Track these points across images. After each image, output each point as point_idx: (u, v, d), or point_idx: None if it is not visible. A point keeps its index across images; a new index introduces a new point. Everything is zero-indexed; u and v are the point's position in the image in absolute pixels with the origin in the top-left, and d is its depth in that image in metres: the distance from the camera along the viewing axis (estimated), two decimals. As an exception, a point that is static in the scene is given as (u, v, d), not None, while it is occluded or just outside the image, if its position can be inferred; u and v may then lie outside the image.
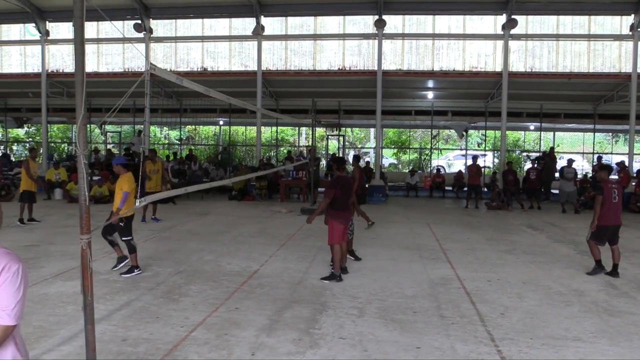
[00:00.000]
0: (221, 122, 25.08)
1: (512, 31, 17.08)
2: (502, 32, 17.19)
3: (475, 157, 16.68)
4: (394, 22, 17.69)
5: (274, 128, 25.14)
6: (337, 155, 20.31)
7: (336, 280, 6.85)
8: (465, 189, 16.94)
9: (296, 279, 6.98)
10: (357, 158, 13.21)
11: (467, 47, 17.87)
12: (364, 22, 17.98)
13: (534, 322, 5.35)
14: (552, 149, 18.52)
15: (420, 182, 19.73)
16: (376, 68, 17.38)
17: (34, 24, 19.21)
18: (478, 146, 29.81)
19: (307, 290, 6.45)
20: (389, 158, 28.90)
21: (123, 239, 7.24)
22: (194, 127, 28.69)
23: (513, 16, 16.72)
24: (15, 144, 29.84)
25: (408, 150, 28.37)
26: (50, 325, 5.05)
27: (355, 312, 5.60)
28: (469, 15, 17.61)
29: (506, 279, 7.11)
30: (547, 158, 17.27)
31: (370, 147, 28.61)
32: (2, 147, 27.16)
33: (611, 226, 7.56)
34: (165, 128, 29.25)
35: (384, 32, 17.35)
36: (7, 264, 2.08)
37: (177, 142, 28.13)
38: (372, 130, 27.10)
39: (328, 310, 5.66)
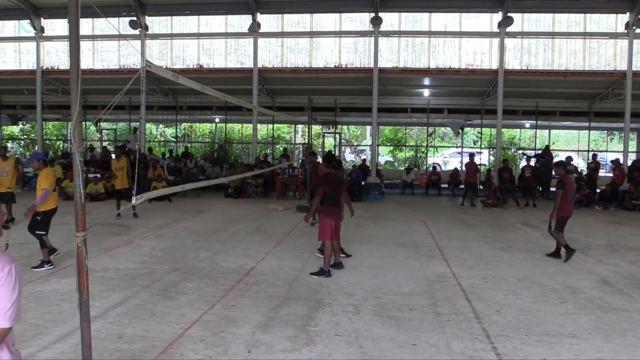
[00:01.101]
0: (217, 120, 25.03)
1: (508, 29, 17.11)
2: (498, 30, 17.20)
3: (472, 155, 16.70)
4: (390, 20, 17.69)
5: (270, 125, 25.12)
6: (321, 152, 20.29)
7: (325, 276, 6.91)
8: (462, 186, 16.95)
9: (292, 276, 6.98)
10: (314, 154, 13.02)
11: (463, 44, 17.87)
12: (360, 20, 17.95)
13: (529, 319, 5.37)
14: (547, 147, 18.57)
15: (416, 180, 19.76)
16: (372, 65, 17.39)
17: (28, 21, 19.11)
18: (474, 144, 29.87)
19: (303, 287, 6.45)
20: (385, 156, 28.92)
21: (37, 232, 7.22)
22: (189, 124, 28.63)
23: (509, 14, 16.74)
24: (10, 141, 29.69)
25: (404, 147, 28.38)
26: (46, 323, 5.04)
27: (351, 309, 5.61)
28: (465, 12, 17.62)
29: (501, 276, 7.13)
30: (547, 155, 17.31)
31: (367, 145, 28.60)
32: (-4, 145, 27.03)
33: (568, 217, 8.39)
34: (161, 125, 29.19)
35: (380, 29, 17.35)
36: (1, 264, 2.04)
37: (173, 139, 28.04)
38: (368, 127, 27.07)
39: (324, 307, 5.66)
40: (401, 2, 17.56)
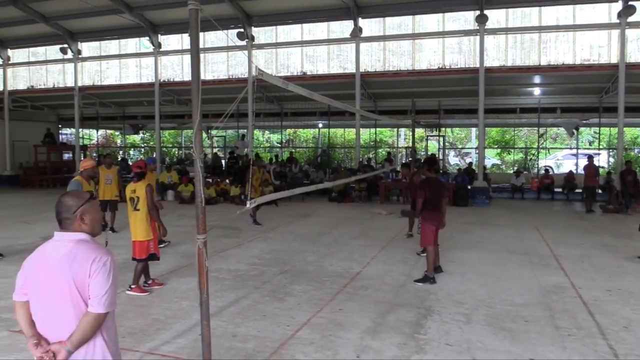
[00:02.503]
0: (320, 125, 25.47)
1: (630, 19, 15.69)
2: (617, 21, 15.87)
3: (591, 157, 15.53)
4: (496, 17, 16.96)
5: (373, 130, 25.12)
6: (425, 155, 19.89)
7: (429, 283, 6.77)
8: (577, 190, 15.77)
9: (399, 281, 6.89)
10: (406, 165, 12.93)
11: (578, 38, 16.70)
12: (465, 19, 17.39)
13: (664, 337, 4.88)
14: None
15: (527, 184, 18.77)
16: (478, 65, 16.77)
17: (147, 38, 20.67)
18: (590, 145, 27.88)
19: (410, 293, 6.34)
20: (491, 158, 27.82)
21: None
22: (294, 130, 29.41)
23: (630, 2, 15.39)
24: (132, 149, 32.25)
25: (512, 150, 27.13)
26: (167, 319, 5.38)
27: (461, 318, 5.43)
28: (579, 4, 16.44)
29: (628, 289, 6.54)
30: None
31: (472, 147, 27.68)
32: (121, 152, 29.48)
33: None
34: (267, 131, 30.25)
35: (486, 27, 16.69)
36: (98, 256, 2.33)
37: (278, 145, 28.96)
38: (474, 129, 26.24)
39: (433, 315, 5.53)
40: (508, -2, 16.80)
